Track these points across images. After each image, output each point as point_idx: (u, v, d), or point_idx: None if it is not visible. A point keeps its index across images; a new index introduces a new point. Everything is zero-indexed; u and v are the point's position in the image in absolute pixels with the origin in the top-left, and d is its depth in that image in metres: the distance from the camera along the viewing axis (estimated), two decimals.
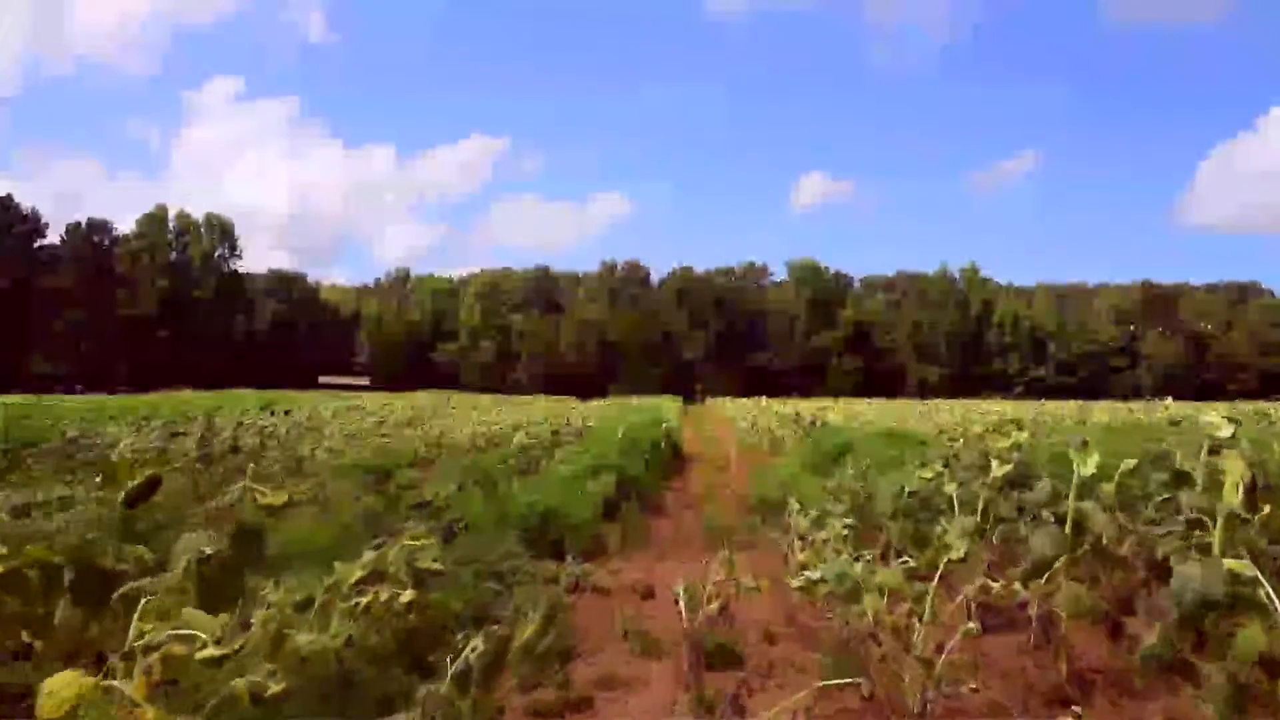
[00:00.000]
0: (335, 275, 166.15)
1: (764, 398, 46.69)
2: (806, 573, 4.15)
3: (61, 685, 1.84)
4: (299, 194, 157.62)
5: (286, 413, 21.36)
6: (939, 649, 3.40)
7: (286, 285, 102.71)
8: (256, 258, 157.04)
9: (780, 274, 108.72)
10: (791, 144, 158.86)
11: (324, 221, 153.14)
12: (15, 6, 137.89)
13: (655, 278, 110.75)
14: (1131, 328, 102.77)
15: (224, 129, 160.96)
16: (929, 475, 5.48)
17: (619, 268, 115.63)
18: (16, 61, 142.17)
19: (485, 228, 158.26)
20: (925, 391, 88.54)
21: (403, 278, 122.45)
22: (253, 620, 2.78)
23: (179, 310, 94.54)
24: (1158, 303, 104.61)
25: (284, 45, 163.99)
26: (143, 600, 2.28)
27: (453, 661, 2.68)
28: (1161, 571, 3.39)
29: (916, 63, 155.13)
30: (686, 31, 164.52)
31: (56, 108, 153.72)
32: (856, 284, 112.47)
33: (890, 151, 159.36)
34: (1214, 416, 3.89)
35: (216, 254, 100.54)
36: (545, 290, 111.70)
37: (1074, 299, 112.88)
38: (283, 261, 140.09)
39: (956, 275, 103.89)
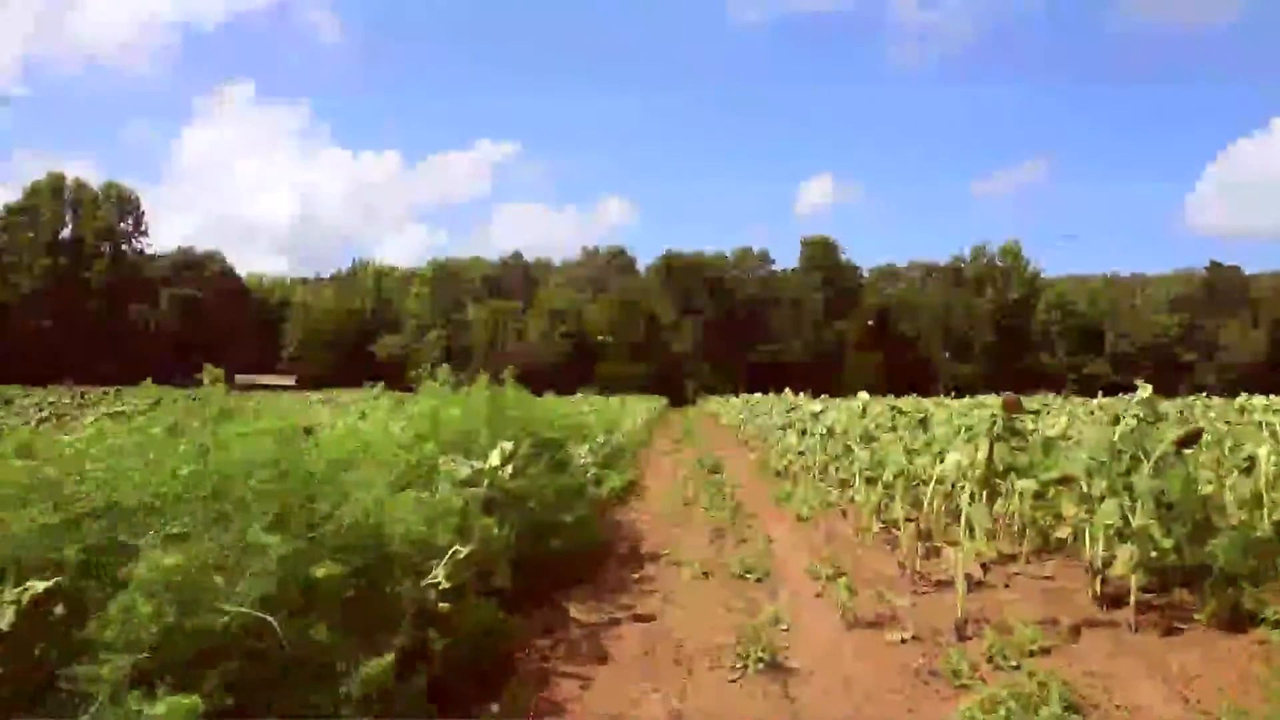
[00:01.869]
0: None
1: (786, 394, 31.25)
2: None
3: None
4: (303, 198, 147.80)
5: None
6: None
7: (198, 268, 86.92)
8: (259, 262, 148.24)
9: (782, 264, 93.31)
10: (800, 149, 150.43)
11: (329, 226, 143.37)
12: (24, 7, 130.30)
13: (644, 267, 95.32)
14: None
15: (231, 133, 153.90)
16: None
17: (601, 253, 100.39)
18: (23, 62, 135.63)
19: (491, 233, 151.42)
20: (958, 389, 72.94)
21: (359, 268, 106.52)
22: None
23: (66, 296, 79.27)
24: (1227, 285, 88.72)
25: (293, 50, 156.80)
26: None
27: None
28: None
29: (921, 70, 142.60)
30: (694, 37, 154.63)
31: (63, 109, 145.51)
32: (865, 274, 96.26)
33: (897, 157, 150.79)
34: None
35: (119, 230, 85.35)
36: (516, 279, 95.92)
37: (1120, 289, 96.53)
38: (282, 267, 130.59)
39: (995, 254, 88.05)
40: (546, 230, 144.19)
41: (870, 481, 7.03)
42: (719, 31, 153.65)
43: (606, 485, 9.88)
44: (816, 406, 11.53)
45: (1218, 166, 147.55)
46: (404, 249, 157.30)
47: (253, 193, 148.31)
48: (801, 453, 10.25)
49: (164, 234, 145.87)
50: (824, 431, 9.72)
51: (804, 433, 11.11)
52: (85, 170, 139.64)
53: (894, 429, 10.14)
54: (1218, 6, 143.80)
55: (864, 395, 11.96)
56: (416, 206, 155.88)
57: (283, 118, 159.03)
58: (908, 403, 19.68)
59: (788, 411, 15.39)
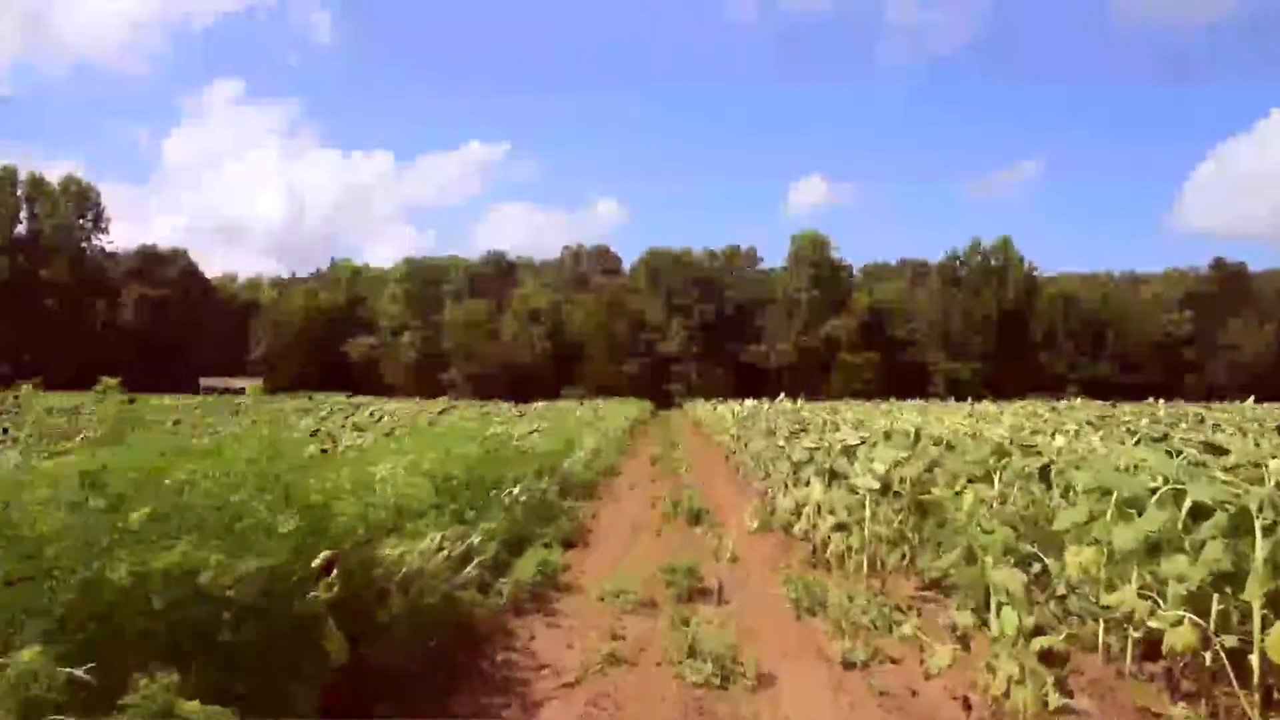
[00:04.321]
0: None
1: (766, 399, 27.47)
2: None
3: None
4: (293, 199, 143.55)
5: None
6: None
7: (163, 266, 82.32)
8: (249, 262, 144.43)
9: (772, 264, 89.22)
10: (791, 149, 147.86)
11: (318, 227, 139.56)
12: (12, 7, 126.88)
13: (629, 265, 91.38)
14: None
15: (221, 133, 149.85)
16: None
17: (586, 253, 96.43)
18: (10, 63, 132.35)
19: (482, 234, 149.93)
20: (956, 392, 69.34)
21: (339, 267, 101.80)
22: None
23: (22, 294, 74.70)
24: (1233, 283, 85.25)
25: (282, 50, 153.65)
26: None
27: None
28: None
29: (913, 70, 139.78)
30: (686, 37, 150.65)
31: (51, 110, 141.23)
32: (856, 272, 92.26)
33: (889, 157, 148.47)
34: None
35: (78, 225, 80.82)
36: (498, 279, 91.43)
37: (1117, 287, 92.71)
38: (272, 268, 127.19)
39: (989, 251, 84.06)
40: (537, 231, 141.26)
41: (1049, 662, 3.11)
42: (711, 31, 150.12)
43: (511, 579, 5.90)
44: (848, 434, 7.56)
45: (1208, 166, 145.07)
46: (394, 250, 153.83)
47: (242, 193, 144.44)
48: (841, 527, 6.25)
49: (152, 234, 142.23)
50: (876, 486, 5.79)
51: (832, 476, 7.14)
52: (74, 171, 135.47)
53: (987, 476, 6.24)
54: (1210, 7, 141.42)
55: (913, 416, 8.04)
56: (407, 207, 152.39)
57: (272, 117, 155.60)
58: (936, 414, 15.75)
59: (794, 433, 11.44)
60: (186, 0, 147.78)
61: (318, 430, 10.76)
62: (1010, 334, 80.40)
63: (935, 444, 7.67)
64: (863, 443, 6.96)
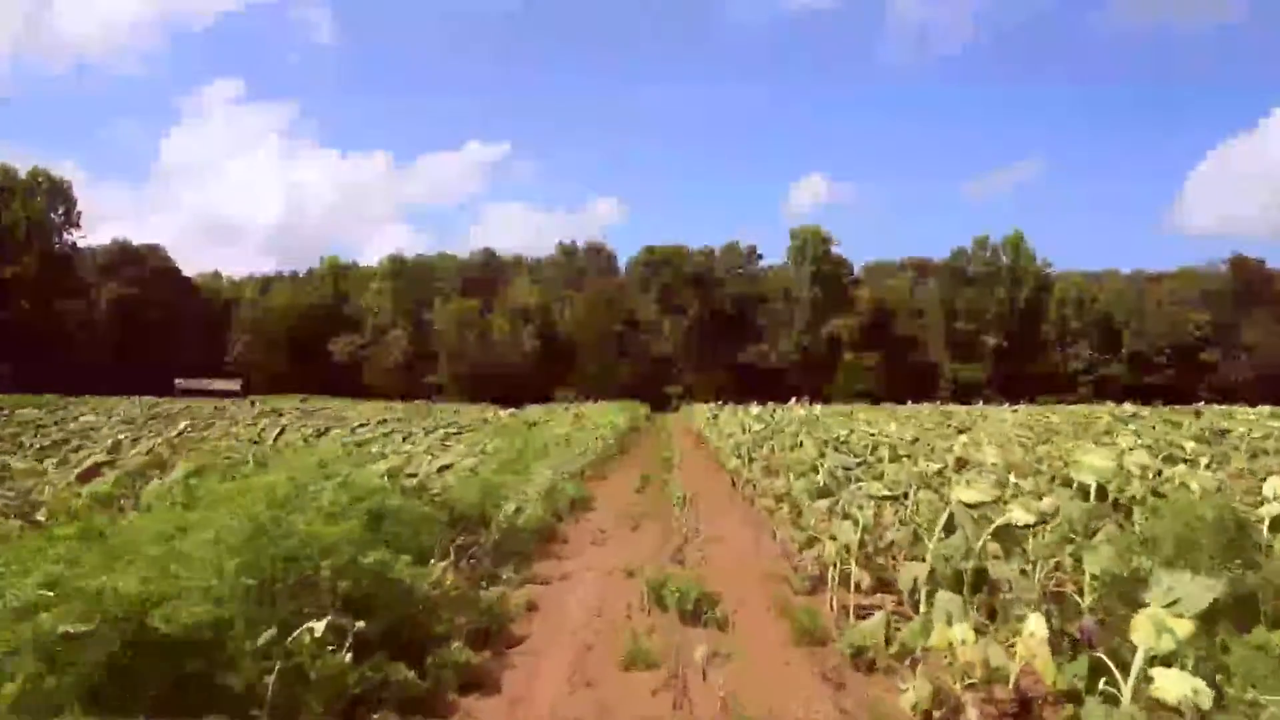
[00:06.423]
0: None
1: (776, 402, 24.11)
2: None
3: None
4: (292, 199, 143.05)
5: None
6: None
7: (136, 262, 78.72)
8: (245, 262, 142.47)
9: (770, 262, 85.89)
10: (791, 149, 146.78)
11: (316, 228, 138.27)
12: (10, 7, 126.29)
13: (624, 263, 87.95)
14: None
15: (220, 133, 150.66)
16: None
17: (580, 249, 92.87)
18: (9, 62, 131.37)
19: (480, 235, 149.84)
20: (964, 393, 66.21)
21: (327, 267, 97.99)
22: None
23: None
24: (1251, 281, 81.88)
25: (282, 50, 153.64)
26: None
27: None
28: None
29: (913, 69, 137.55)
30: (686, 37, 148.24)
31: (48, 110, 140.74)
32: (858, 270, 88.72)
33: (890, 157, 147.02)
34: None
35: (54, 219, 77.29)
36: (489, 277, 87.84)
37: (1134, 287, 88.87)
38: (271, 267, 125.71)
39: (999, 247, 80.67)
40: (537, 231, 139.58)
41: None
42: (711, 30, 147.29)
43: None
44: (1011, 507, 4.19)
45: (1208, 166, 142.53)
46: (393, 251, 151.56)
47: (241, 193, 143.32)
48: None
49: (150, 234, 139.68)
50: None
51: (976, 584, 3.79)
52: (72, 171, 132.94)
53: None
54: (1210, 7, 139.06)
55: (1108, 459, 4.68)
56: (405, 208, 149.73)
57: (271, 117, 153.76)
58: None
59: (841, 465, 8.10)
60: (186, 0, 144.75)
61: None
62: (1021, 333, 77.35)
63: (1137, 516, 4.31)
64: (1044, 521, 3.62)
